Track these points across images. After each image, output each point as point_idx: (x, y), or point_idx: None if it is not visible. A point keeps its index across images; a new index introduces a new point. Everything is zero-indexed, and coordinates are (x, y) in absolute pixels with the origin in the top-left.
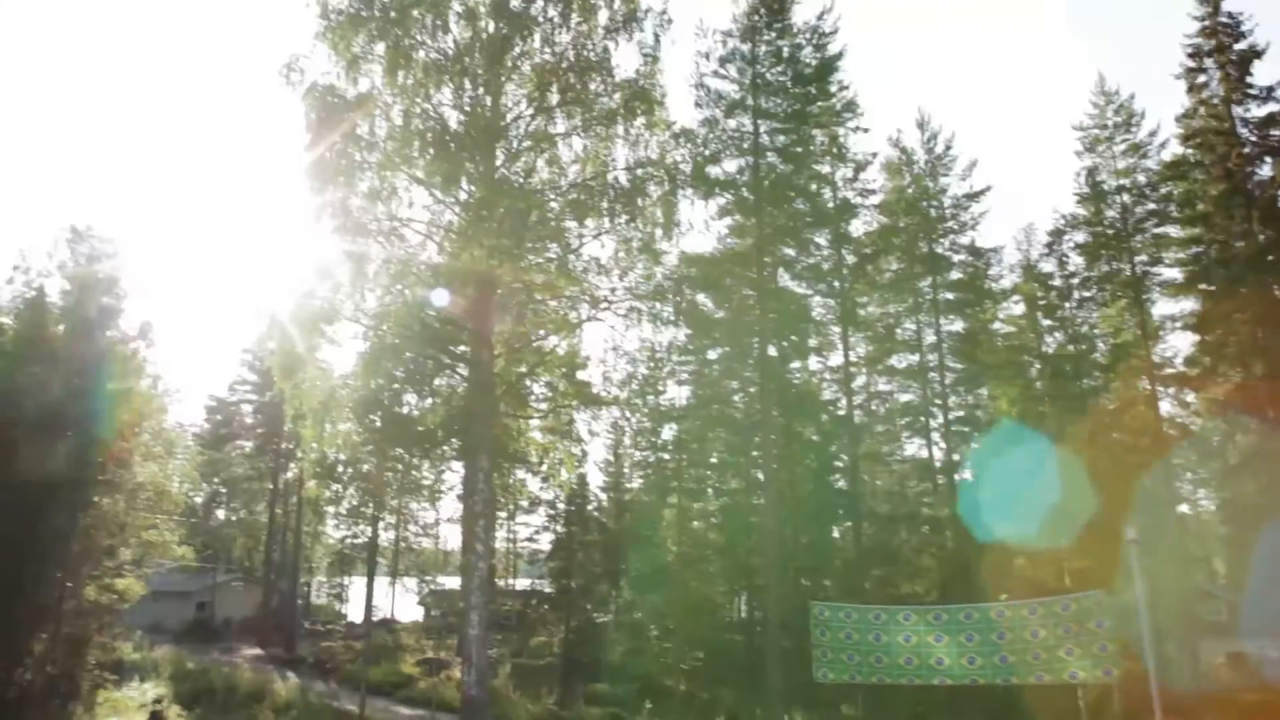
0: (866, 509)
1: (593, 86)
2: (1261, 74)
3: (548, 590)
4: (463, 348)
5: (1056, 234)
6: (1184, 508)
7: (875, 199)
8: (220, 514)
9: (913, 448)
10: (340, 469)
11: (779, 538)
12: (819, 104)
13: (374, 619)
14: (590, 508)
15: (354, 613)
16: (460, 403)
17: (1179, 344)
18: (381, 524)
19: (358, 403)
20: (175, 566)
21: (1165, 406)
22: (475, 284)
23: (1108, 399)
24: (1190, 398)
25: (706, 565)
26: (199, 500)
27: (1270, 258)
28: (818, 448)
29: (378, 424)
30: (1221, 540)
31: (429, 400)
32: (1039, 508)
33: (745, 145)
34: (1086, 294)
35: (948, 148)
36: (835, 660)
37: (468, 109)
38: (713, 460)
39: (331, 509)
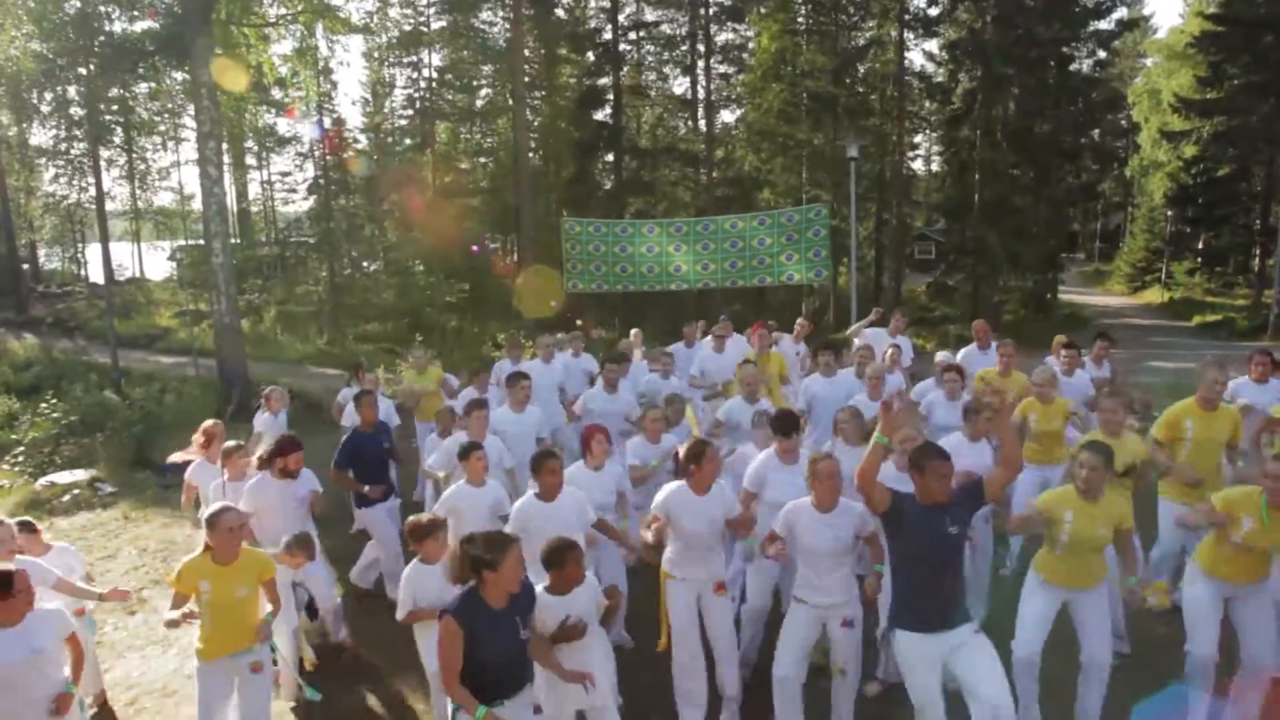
0: (628, 143)
1: None
2: None
3: (308, 237)
4: None
5: None
6: (918, 164)
7: None
8: None
9: (679, 88)
10: (33, 97)
11: (530, 164)
12: None
13: (121, 278)
14: (353, 150)
15: (96, 275)
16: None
17: None
18: (111, 173)
19: (36, 9)
20: None
21: (914, 56)
22: None
23: (860, 36)
24: (933, 47)
25: (470, 200)
26: None
27: None
28: (580, 79)
29: (74, 38)
30: (941, 185)
31: (141, 20)
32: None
33: None
34: None
35: None
36: (584, 271)
37: None
38: (477, 94)
39: (43, 160)
